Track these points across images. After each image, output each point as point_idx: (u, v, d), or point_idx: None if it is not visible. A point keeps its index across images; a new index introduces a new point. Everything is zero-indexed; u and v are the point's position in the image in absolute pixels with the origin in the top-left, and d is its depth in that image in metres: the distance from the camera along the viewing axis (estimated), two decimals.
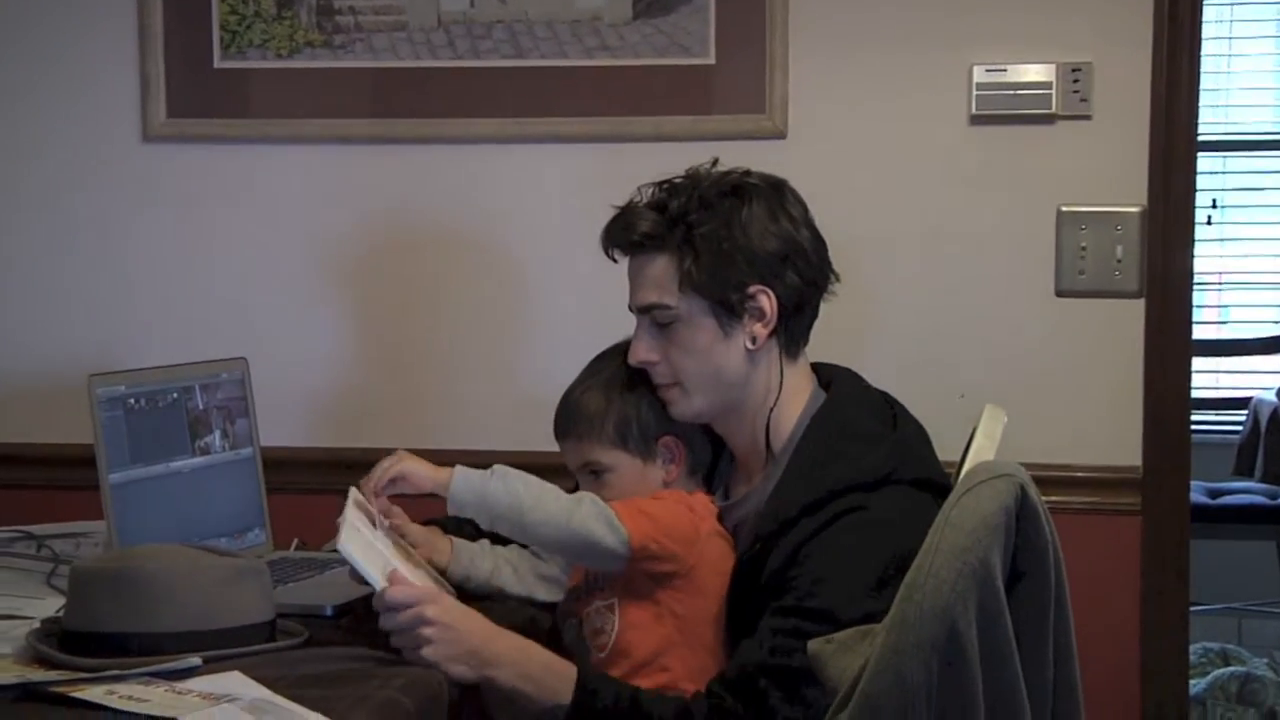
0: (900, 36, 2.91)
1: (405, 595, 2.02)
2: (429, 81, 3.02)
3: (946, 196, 2.92)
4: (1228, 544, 4.97)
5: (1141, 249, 2.87)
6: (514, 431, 2.91)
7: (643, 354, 2.27)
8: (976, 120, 2.89)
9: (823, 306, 2.29)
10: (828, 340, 2.33)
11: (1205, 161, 5.18)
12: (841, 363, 2.36)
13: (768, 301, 2.22)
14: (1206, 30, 2.91)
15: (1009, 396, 2.49)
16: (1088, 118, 2.87)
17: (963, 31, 2.89)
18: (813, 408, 2.27)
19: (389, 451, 2.24)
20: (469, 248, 3.05)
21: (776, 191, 2.26)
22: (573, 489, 2.30)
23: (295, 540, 2.71)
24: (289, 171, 3.08)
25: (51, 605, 2.17)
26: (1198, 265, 2.96)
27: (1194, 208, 2.89)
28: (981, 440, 2.20)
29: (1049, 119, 2.87)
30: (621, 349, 2.31)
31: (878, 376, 2.35)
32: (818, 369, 2.33)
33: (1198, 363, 3.20)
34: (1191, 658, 3.47)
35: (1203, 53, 2.89)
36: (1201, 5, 2.86)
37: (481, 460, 2.22)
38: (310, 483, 2.90)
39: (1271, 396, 5.19)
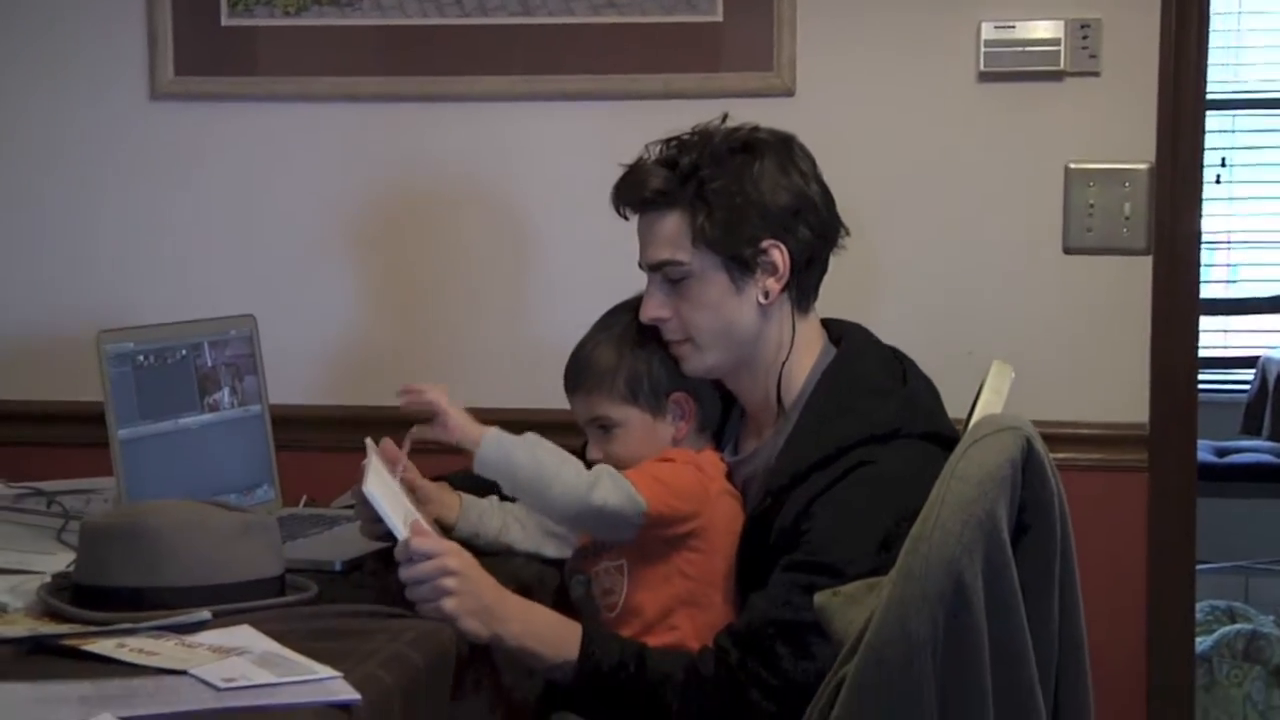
0: None
1: (429, 545, 2.02)
2: (437, 39, 3.00)
3: (954, 153, 2.91)
4: (1235, 502, 4.97)
5: (1150, 207, 2.86)
6: (523, 388, 2.92)
7: (654, 310, 2.26)
8: (985, 77, 2.88)
9: (831, 264, 2.30)
10: (835, 297, 2.34)
11: (1214, 120, 5.15)
12: (850, 319, 2.36)
13: (780, 255, 2.22)
14: None
15: (1016, 353, 2.49)
16: (1096, 74, 2.86)
17: None
18: (823, 363, 2.27)
19: (395, 409, 2.25)
20: (477, 205, 3.04)
21: (786, 146, 2.26)
22: (580, 446, 2.30)
23: (304, 497, 2.72)
24: (297, 129, 3.08)
25: (62, 560, 2.18)
26: (1206, 224, 2.95)
27: (1202, 166, 2.89)
28: (989, 396, 2.20)
29: (1057, 76, 2.86)
30: (632, 305, 2.31)
31: (886, 333, 2.35)
32: (828, 325, 2.33)
33: (1206, 322, 3.19)
34: (1198, 615, 3.47)
35: (1212, 10, 2.88)
36: None
37: (487, 418, 2.22)
38: (319, 440, 2.91)
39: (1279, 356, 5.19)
